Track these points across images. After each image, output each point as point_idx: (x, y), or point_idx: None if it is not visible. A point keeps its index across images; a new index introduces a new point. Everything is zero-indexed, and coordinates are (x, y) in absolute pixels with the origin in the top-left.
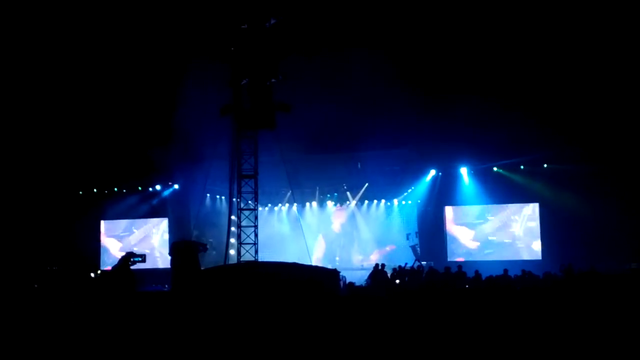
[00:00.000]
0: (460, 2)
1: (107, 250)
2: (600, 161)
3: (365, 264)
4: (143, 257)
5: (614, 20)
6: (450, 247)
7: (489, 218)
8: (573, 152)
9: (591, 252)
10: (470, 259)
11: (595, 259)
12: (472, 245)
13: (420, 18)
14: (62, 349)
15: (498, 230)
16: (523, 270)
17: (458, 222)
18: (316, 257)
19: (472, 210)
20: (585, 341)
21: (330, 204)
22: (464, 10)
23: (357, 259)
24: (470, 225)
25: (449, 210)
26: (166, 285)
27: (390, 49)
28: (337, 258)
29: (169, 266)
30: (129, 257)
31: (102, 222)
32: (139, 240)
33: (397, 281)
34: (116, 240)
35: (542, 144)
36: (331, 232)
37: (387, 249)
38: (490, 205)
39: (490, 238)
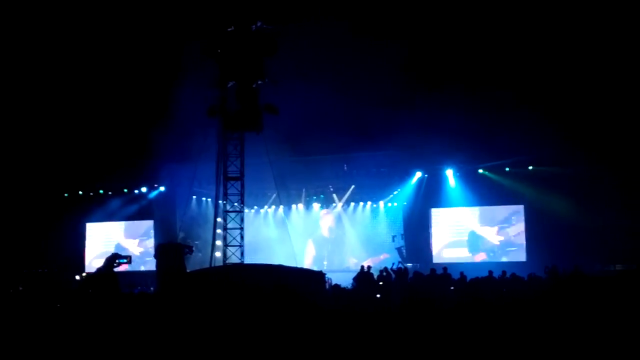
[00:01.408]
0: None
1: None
2: (585, 163)
3: (353, 267)
4: (129, 259)
5: (605, 23)
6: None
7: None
8: (558, 154)
9: (576, 253)
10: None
11: (580, 260)
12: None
13: (410, 19)
14: (46, 350)
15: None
16: (504, 272)
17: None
18: (307, 262)
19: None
20: (573, 343)
21: (316, 206)
22: (451, 12)
23: (345, 261)
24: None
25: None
26: (151, 288)
27: (378, 51)
28: (325, 262)
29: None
30: (114, 259)
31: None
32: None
33: (381, 283)
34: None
35: (528, 146)
36: (319, 237)
37: (382, 257)
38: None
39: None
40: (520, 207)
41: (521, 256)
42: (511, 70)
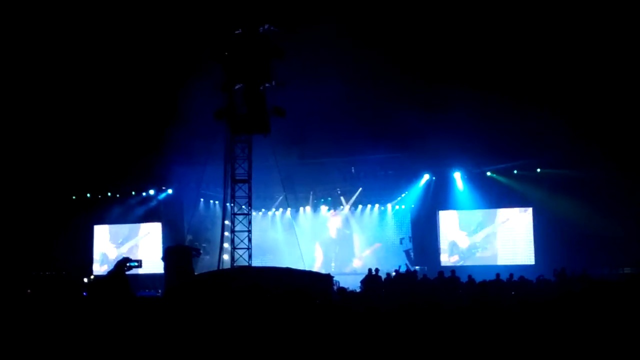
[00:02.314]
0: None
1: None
2: (594, 165)
3: (360, 269)
4: (139, 263)
5: (613, 25)
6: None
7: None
8: (567, 156)
9: (584, 256)
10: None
11: (589, 263)
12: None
13: (416, 21)
14: (55, 353)
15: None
16: (511, 274)
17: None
18: (314, 265)
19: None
20: (582, 347)
21: (324, 208)
22: (460, 13)
23: (352, 264)
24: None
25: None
26: (159, 291)
27: (385, 53)
28: (333, 264)
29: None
30: (125, 262)
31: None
32: None
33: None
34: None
35: (536, 148)
36: (327, 239)
37: (375, 246)
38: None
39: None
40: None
41: (529, 259)
42: (519, 72)
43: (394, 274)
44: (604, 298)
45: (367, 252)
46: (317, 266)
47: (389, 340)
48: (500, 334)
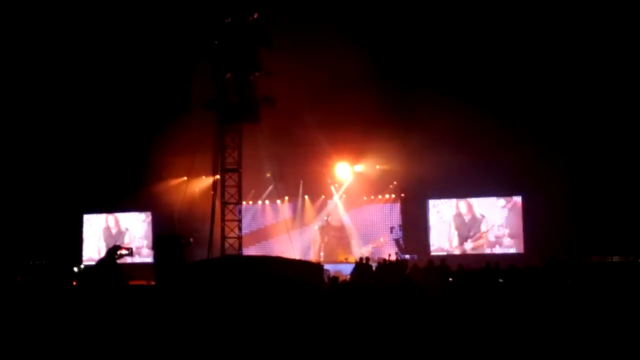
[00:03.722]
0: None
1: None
2: (582, 155)
3: (351, 259)
4: (130, 250)
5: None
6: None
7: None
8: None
9: (573, 244)
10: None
11: (578, 251)
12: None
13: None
14: (47, 343)
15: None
16: (496, 263)
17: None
18: (304, 254)
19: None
20: (570, 335)
21: (313, 197)
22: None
23: (343, 253)
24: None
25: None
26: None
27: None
28: (322, 254)
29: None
30: (116, 250)
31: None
32: None
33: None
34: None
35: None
36: (317, 228)
37: (381, 240)
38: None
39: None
40: None
41: (519, 248)
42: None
43: (383, 262)
44: (593, 286)
45: (369, 246)
46: (305, 255)
47: (379, 327)
48: (488, 321)
